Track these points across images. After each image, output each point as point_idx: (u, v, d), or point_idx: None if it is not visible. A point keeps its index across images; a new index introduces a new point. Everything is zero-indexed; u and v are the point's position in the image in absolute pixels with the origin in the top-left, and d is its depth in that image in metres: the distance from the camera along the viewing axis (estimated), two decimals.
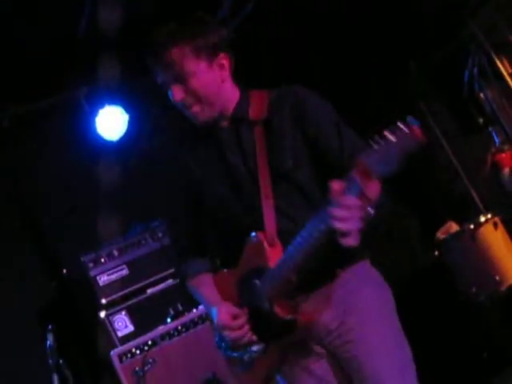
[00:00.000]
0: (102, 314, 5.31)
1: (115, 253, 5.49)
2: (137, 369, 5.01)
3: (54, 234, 5.96)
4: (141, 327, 5.27)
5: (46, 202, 5.99)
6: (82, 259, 5.41)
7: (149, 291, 5.47)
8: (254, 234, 2.77)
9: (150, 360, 5.04)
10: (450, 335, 5.76)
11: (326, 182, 2.53)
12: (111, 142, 6.08)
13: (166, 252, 5.43)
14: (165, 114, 2.97)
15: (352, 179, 2.26)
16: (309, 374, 2.85)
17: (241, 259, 2.86)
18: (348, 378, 2.80)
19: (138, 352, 5.09)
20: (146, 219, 5.66)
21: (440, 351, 5.60)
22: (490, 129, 5.64)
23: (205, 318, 5.15)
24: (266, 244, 2.73)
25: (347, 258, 2.79)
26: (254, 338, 2.81)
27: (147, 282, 5.48)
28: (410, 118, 2.10)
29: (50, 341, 4.21)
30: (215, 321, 2.90)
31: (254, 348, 2.81)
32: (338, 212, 2.32)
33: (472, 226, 5.55)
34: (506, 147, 5.57)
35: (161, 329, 5.21)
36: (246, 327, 2.81)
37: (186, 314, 5.28)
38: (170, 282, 5.47)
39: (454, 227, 5.88)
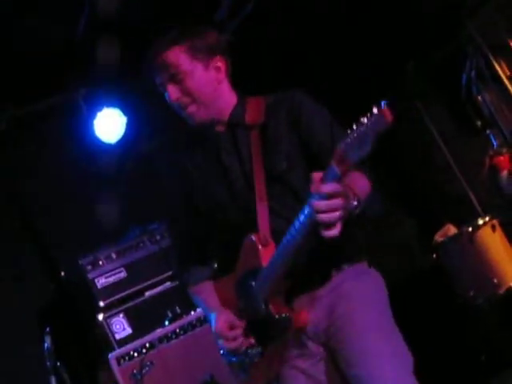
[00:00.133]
0: (100, 316, 5.30)
1: (113, 255, 5.49)
2: (135, 371, 5.00)
3: (52, 236, 5.95)
4: (139, 330, 5.27)
5: (44, 204, 5.99)
6: (80, 262, 5.41)
7: (147, 294, 5.47)
8: (248, 236, 2.80)
9: (148, 363, 5.04)
10: (448, 338, 5.75)
11: None
12: (109, 145, 6.07)
13: (164, 255, 5.43)
14: (163, 117, 2.97)
15: (330, 167, 2.30)
16: (307, 377, 2.86)
17: (237, 262, 2.89)
18: (346, 380, 2.81)
19: (135, 355, 5.09)
20: (144, 222, 5.67)
21: (438, 354, 5.59)
22: (488, 131, 5.64)
23: (203, 320, 5.15)
24: (259, 244, 2.76)
25: (341, 258, 2.82)
26: (252, 341, 2.82)
27: (145, 284, 5.48)
28: (382, 101, 2.14)
29: (47, 343, 4.20)
30: (213, 328, 2.94)
31: (253, 351, 2.83)
32: (317, 203, 2.36)
33: (470, 229, 5.55)
34: (503, 150, 5.57)
35: (159, 331, 5.21)
36: (241, 339, 2.84)
37: (184, 316, 5.28)
38: (167, 284, 5.47)
39: (452, 230, 5.88)
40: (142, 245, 5.57)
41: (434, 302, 5.94)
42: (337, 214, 2.36)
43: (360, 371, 2.72)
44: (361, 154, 2.20)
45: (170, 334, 5.19)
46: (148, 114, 6.06)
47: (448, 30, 6.10)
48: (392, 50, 6.33)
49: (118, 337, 5.28)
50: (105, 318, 5.30)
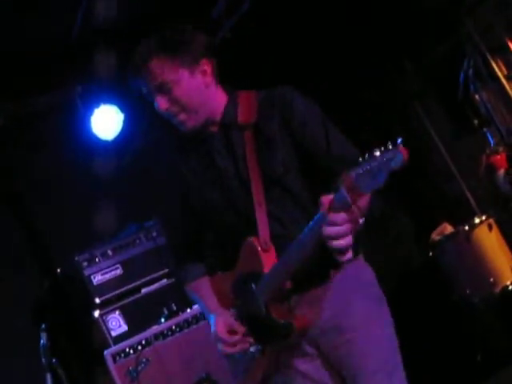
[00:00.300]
0: (96, 313, 5.30)
1: (109, 252, 5.48)
2: (130, 368, 5.00)
3: (48, 233, 5.94)
4: (135, 327, 5.26)
5: (40, 201, 5.98)
6: (76, 258, 5.40)
7: (143, 291, 5.46)
8: (248, 239, 2.79)
9: (144, 360, 5.04)
10: (443, 337, 5.76)
11: (314, 183, 2.57)
12: (106, 141, 6.07)
13: (161, 252, 5.43)
14: (160, 114, 2.99)
15: (340, 193, 2.29)
16: (301, 375, 2.87)
17: (236, 263, 2.89)
18: (341, 378, 2.82)
19: (131, 352, 5.09)
20: (140, 219, 5.66)
21: (434, 353, 5.60)
22: (485, 130, 5.64)
23: (199, 317, 5.15)
24: (260, 249, 2.76)
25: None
26: (251, 340, 2.83)
27: (141, 281, 5.47)
28: (398, 138, 2.14)
29: (43, 340, 4.20)
30: (212, 329, 2.94)
31: (252, 349, 2.84)
32: (330, 230, 2.37)
33: (466, 228, 5.56)
34: (500, 149, 5.57)
35: (155, 328, 5.21)
36: (241, 344, 2.85)
37: (180, 313, 5.27)
38: (164, 281, 5.46)
39: (448, 229, 5.88)
40: (138, 242, 5.56)
41: (430, 301, 5.95)
42: (348, 240, 2.40)
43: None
44: (373, 186, 2.19)
45: (165, 331, 5.18)
46: (145, 110, 6.05)
47: (446, 29, 6.10)
48: (390, 49, 6.33)
49: (113, 334, 5.27)
50: (101, 315, 5.29)
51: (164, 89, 2.80)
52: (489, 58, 5.80)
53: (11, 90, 5.68)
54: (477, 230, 5.53)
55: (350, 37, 6.28)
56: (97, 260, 5.42)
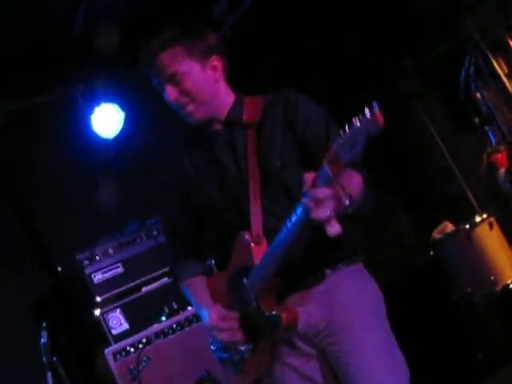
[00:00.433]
0: (97, 311, 5.30)
1: (110, 251, 5.48)
2: (131, 367, 5.01)
3: (49, 232, 5.94)
4: (135, 325, 5.27)
5: (41, 199, 5.98)
6: (77, 257, 5.40)
7: (144, 289, 5.46)
8: (240, 233, 2.81)
9: (145, 358, 5.04)
10: (444, 335, 5.76)
11: None
12: (107, 140, 6.07)
13: (161, 250, 5.43)
14: (161, 112, 3.00)
15: (322, 167, 2.32)
16: (297, 374, 2.87)
17: (230, 259, 2.90)
18: (337, 378, 2.82)
19: (132, 350, 5.09)
20: (141, 217, 5.66)
21: (434, 351, 5.60)
22: (486, 129, 5.64)
23: (199, 316, 5.15)
24: (251, 242, 2.77)
25: (335, 256, 2.82)
26: (243, 337, 2.83)
27: (142, 280, 5.48)
28: (373, 104, 2.15)
29: (44, 338, 4.20)
30: (205, 322, 2.95)
31: (243, 348, 2.84)
32: (309, 204, 2.38)
33: (467, 226, 5.55)
34: (501, 147, 5.57)
35: (155, 327, 5.22)
36: (235, 328, 2.85)
37: (181, 312, 5.28)
38: (164, 280, 5.46)
39: (449, 227, 5.88)
40: (139, 240, 5.57)
41: (431, 299, 5.95)
42: (329, 214, 2.39)
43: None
44: (352, 155, 2.21)
45: (166, 330, 5.19)
46: (146, 109, 6.06)
47: (446, 28, 6.10)
48: (390, 49, 6.33)
49: (114, 332, 5.27)
50: (101, 314, 5.29)
51: (174, 79, 2.85)
52: (489, 56, 5.80)
53: (12, 89, 5.68)
54: (478, 229, 5.53)
55: (350, 36, 6.28)
56: (97, 258, 5.42)
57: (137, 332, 5.20)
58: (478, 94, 5.55)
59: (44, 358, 4.16)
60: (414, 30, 6.11)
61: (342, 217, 2.46)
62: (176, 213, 3.10)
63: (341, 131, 2.22)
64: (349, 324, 2.77)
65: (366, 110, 2.15)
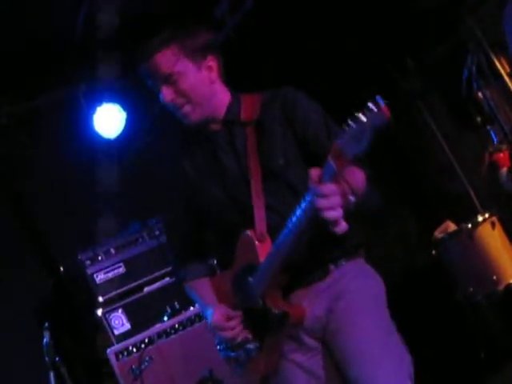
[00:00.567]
0: (99, 311, 5.30)
1: (112, 251, 5.48)
2: (133, 367, 5.01)
3: (51, 232, 5.95)
4: (138, 325, 5.27)
5: (43, 200, 5.98)
6: (79, 257, 5.41)
7: (146, 289, 5.47)
8: (244, 232, 2.81)
9: (147, 358, 5.04)
10: (447, 335, 5.75)
11: None
12: (109, 140, 6.07)
13: (163, 250, 5.43)
14: (163, 112, 3.01)
15: (327, 163, 2.33)
16: (302, 370, 2.88)
17: (234, 258, 2.90)
18: (342, 374, 2.82)
19: (134, 350, 5.09)
20: (143, 217, 5.66)
21: (437, 351, 5.59)
22: (488, 128, 5.64)
23: (202, 316, 5.15)
24: (255, 240, 2.77)
25: (339, 252, 2.84)
26: (249, 336, 2.83)
27: (144, 280, 5.48)
28: (378, 97, 2.16)
29: (46, 338, 4.20)
30: (210, 321, 2.95)
31: (250, 346, 2.84)
32: (318, 202, 2.39)
33: (469, 226, 5.55)
34: (503, 147, 5.56)
35: (158, 327, 5.22)
36: (240, 328, 2.86)
37: (183, 312, 5.28)
38: (167, 280, 5.47)
39: (451, 226, 5.88)
40: (141, 240, 5.57)
41: (433, 299, 5.95)
42: (338, 212, 2.41)
43: (357, 373, 2.75)
44: (358, 149, 2.22)
45: (168, 330, 5.19)
46: (147, 109, 6.06)
47: (448, 27, 6.09)
48: (391, 48, 6.32)
49: (116, 332, 5.27)
50: (104, 314, 5.29)
51: (170, 80, 2.84)
52: (491, 55, 5.79)
53: (13, 90, 5.68)
54: (480, 228, 5.52)
55: (351, 36, 6.27)
56: (100, 258, 5.43)
57: (139, 332, 5.20)
58: (479, 94, 5.55)
59: (46, 358, 4.15)
60: (416, 30, 6.10)
61: (346, 214, 2.47)
62: (177, 214, 3.10)
63: (345, 126, 2.22)
64: (350, 311, 2.79)
65: (371, 104, 2.15)
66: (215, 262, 3.35)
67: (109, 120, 6.02)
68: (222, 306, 2.95)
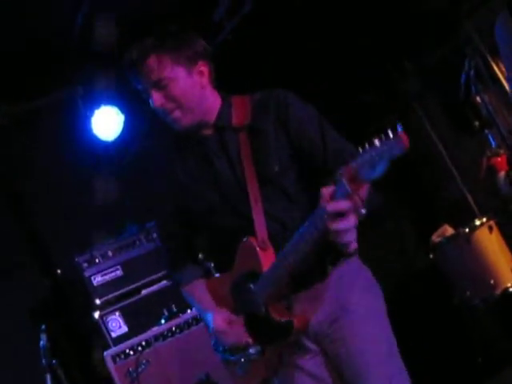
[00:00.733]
0: (96, 314, 5.29)
1: (109, 253, 5.48)
2: (130, 370, 5.00)
3: (48, 234, 5.94)
4: (135, 328, 5.26)
5: (40, 202, 5.98)
6: (76, 259, 5.40)
7: (143, 292, 5.46)
8: (246, 238, 2.80)
9: (144, 361, 5.04)
10: (444, 339, 5.76)
11: (311, 183, 2.59)
12: (107, 142, 6.07)
13: (161, 253, 5.40)
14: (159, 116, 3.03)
15: (340, 183, 2.29)
16: (303, 373, 2.88)
17: (234, 264, 2.89)
18: (340, 375, 2.83)
19: (131, 353, 5.09)
20: (140, 220, 5.66)
21: (434, 355, 5.59)
22: (486, 132, 5.64)
23: (199, 319, 5.15)
24: (258, 248, 2.76)
25: (336, 254, 2.82)
26: (251, 340, 2.83)
27: (141, 282, 5.47)
28: (398, 126, 2.14)
29: (43, 341, 4.20)
30: (211, 326, 2.93)
31: (252, 350, 2.84)
32: (338, 225, 2.36)
33: (467, 230, 5.55)
34: (501, 151, 5.56)
35: (155, 330, 5.21)
36: (242, 332, 2.85)
37: (180, 315, 5.28)
38: (164, 283, 5.46)
39: (449, 230, 5.88)
40: (138, 243, 5.56)
41: (430, 303, 5.95)
42: (353, 234, 2.42)
43: (355, 380, 2.77)
44: (373, 175, 2.19)
45: (166, 333, 5.19)
46: (145, 111, 6.05)
47: (446, 30, 6.09)
48: (390, 50, 6.33)
49: (113, 335, 5.27)
50: (101, 316, 5.28)
51: (160, 85, 2.82)
52: (489, 59, 5.79)
53: (11, 91, 5.67)
54: (477, 232, 5.53)
55: (350, 38, 6.28)
56: (97, 261, 5.42)
57: (136, 335, 5.20)
58: (477, 98, 5.54)
59: (43, 361, 4.16)
60: (414, 32, 6.11)
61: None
62: (170, 219, 3.09)
63: (360, 149, 2.19)
64: (351, 321, 2.79)
65: (389, 132, 2.13)
66: (212, 265, 3.35)
67: (107, 122, 6.02)
68: (223, 310, 2.94)
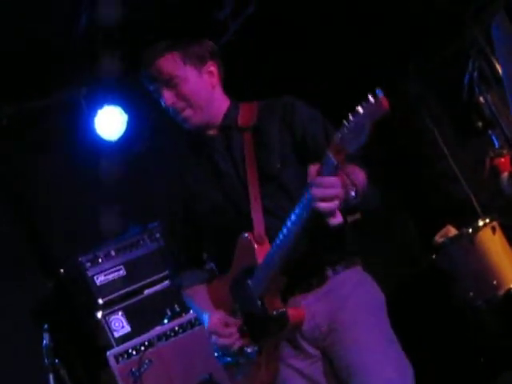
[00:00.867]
0: (99, 314, 5.30)
1: (113, 253, 5.48)
2: (133, 369, 5.00)
3: (51, 234, 5.95)
4: (137, 328, 5.27)
5: (43, 201, 5.99)
6: (79, 259, 5.40)
7: (146, 292, 5.46)
8: (242, 234, 2.82)
9: (147, 361, 5.04)
10: (447, 339, 5.75)
11: None
12: (110, 142, 6.07)
13: (164, 253, 5.42)
14: (164, 115, 3.03)
15: (326, 157, 2.34)
16: (303, 378, 2.88)
17: (232, 262, 2.91)
18: (341, 380, 2.83)
19: (134, 353, 5.09)
20: (144, 220, 5.66)
21: (437, 356, 5.59)
22: (490, 133, 5.63)
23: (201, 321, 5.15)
24: (254, 243, 2.78)
25: (336, 256, 2.85)
26: (247, 342, 2.84)
27: (144, 282, 5.48)
28: (377, 90, 2.18)
29: (46, 340, 4.20)
30: (206, 327, 2.95)
31: (249, 350, 2.83)
32: (315, 191, 2.39)
33: (470, 230, 5.55)
34: (504, 151, 5.55)
35: (157, 329, 5.21)
36: (237, 335, 2.86)
37: (184, 315, 5.28)
38: (167, 283, 5.45)
39: (452, 231, 5.87)
40: (141, 243, 5.57)
41: (433, 303, 5.94)
42: (335, 202, 2.40)
43: (357, 382, 2.76)
44: (358, 143, 2.23)
45: (168, 333, 5.19)
46: (149, 111, 6.06)
47: (450, 31, 6.09)
48: (394, 52, 6.33)
49: (116, 335, 5.27)
50: (103, 316, 5.29)
51: (171, 84, 2.89)
52: (493, 60, 5.79)
53: (14, 91, 5.68)
54: (480, 233, 5.52)
55: (353, 39, 6.28)
56: (100, 261, 5.43)
57: (139, 334, 5.20)
58: (481, 98, 5.54)
59: (46, 360, 4.16)
60: (418, 34, 6.11)
61: (347, 210, 2.49)
62: (174, 220, 3.11)
63: (344, 121, 2.23)
64: (351, 324, 2.79)
65: (370, 96, 2.17)
66: (213, 266, 3.35)
67: (110, 122, 6.02)
68: (219, 311, 2.96)
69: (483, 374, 5.36)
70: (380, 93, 2.16)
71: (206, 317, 2.98)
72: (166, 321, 5.27)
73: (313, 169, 2.41)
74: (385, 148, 6.23)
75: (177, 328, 5.21)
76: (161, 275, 5.48)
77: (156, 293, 5.46)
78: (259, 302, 2.77)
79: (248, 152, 2.87)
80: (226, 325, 2.89)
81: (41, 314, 5.55)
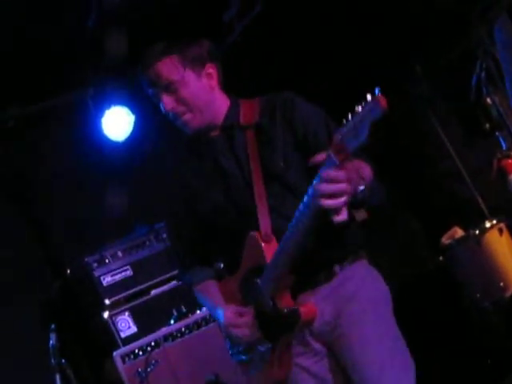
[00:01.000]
0: (106, 314, 5.31)
1: (119, 253, 5.49)
2: (140, 370, 5.01)
3: (58, 234, 5.96)
4: (144, 328, 5.27)
5: (50, 202, 5.99)
6: (86, 259, 5.41)
7: (152, 292, 5.47)
8: (250, 233, 2.82)
9: (153, 361, 5.04)
10: (453, 341, 5.74)
11: None
12: (117, 143, 6.08)
13: (170, 253, 5.42)
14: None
15: (328, 156, 2.34)
16: (310, 376, 2.89)
17: (241, 262, 2.91)
18: (348, 377, 2.84)
19: (140, 353, 5.10)
20: (151, 220, 5.66)
21: (443, 357, 5.58)
22: (497, 134, 5.62)
23: (208, 319, 5.15)
24: (261, 241, 2.78)
25: (342, 252, 2.86)
26: (261, 335, 2.84)
27: (151, 283, 5.49)
28: (376, 89, 2.17)
29: (52, 340, 4.20)
30: (221, 321, 2.95)
31: (262, 348, 2.84)
32: (322, 187, 2.38)
33: (477, 232, 5.54)
34: (511, 153, 5.54)
35: (164, 330, 5.22)
36: (252, 324, 2.85)
37: (190, 315, 5.29)
38: (173, 283, 5.47)
39: (459, 232, 5.86)
40: (148, 243, 5.57)
41: (440, 305, 5.93)
42: (342, 199, 2.40)
43: (361, 378, 2.78)
44: (358, 142, 2.22)
45: (175, 333, 5.19)
46: (156, 112, 6.06)
47: (457, 33, 6.08)
48: (400, 53, 6.32)
49: (123, 335, 5.28)
50: (110, 316, 5.30)
51: (171, 88, 2.88)
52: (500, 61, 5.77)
53: (21, 92, 5.69)
54: (487, 234, 5.51)
55: (360, 40, 6.27)
56: (106, 261, 5.44)
57: (145, 335, 5.20)
58: (488, 99, 5.53)
59: (52, 360, 4.16)
60: (424, 35, 6.10)
61: (355, 204, 2.50)
62: (180, 220, 3.12)
63: (344, 120, 2.24)
64: (358, 319, 2.81)
65: (368, 96, 2.16)
66: (222, 265, 3.36)
67: (117, 123, 6.02)
68: (232, 305, 2.96)
69: (490, 375, 5.35)
70: (378, 92, 2.16)
71: (219, 311, 2.99)
72: (172, 321, 5.28)
73: (314, 163, 2.40)
74: (391, 149, 6.24)
75: (183, 329, 5.22)
76: (167, 275, 5.49)
77: (163, 293, 5.46)
78: (269, 301, 2.78)
79: (251, 151, 2.87)
80: (241, 315, 2.90)
81: (47, 315, 5.56)
